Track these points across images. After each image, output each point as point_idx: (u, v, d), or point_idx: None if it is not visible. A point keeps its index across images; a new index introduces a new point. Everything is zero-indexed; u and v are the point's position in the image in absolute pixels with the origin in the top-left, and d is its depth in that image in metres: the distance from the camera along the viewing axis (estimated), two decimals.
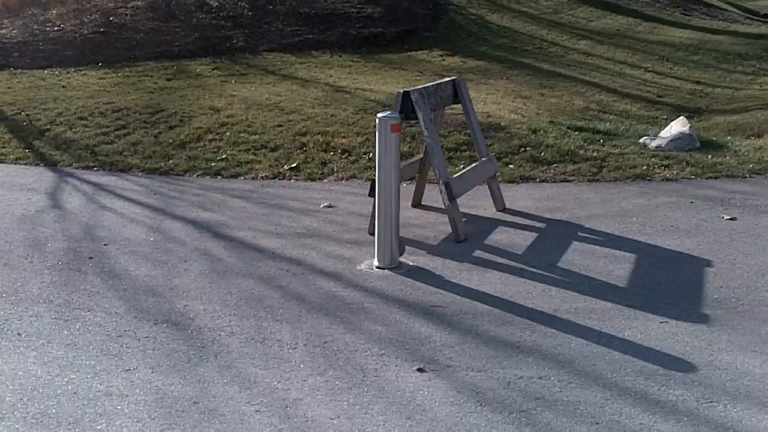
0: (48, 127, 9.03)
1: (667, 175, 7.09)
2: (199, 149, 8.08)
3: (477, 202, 6.25)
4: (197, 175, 7.45)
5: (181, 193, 6.85)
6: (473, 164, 6.25)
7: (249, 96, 10.11)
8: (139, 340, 3.97)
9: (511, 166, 7.34)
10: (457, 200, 5.52)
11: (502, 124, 8.49)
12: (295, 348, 3.87)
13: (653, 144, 7.93)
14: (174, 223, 5.98)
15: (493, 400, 3.38)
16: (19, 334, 4.06)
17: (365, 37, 14.99)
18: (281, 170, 7.45)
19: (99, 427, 3.13)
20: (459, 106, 6.25)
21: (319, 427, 3.14)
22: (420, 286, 4.67)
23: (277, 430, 3.12)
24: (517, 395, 3.42)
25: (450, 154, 7.51)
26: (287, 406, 3.31)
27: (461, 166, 7.05)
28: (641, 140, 8.09)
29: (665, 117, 10.52)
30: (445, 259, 5.11)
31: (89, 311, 4.34)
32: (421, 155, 6.16)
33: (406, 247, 5.23)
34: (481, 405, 3.34)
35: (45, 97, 10.33)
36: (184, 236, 5.68)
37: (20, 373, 3.62)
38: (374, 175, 5.03)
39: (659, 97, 12.56)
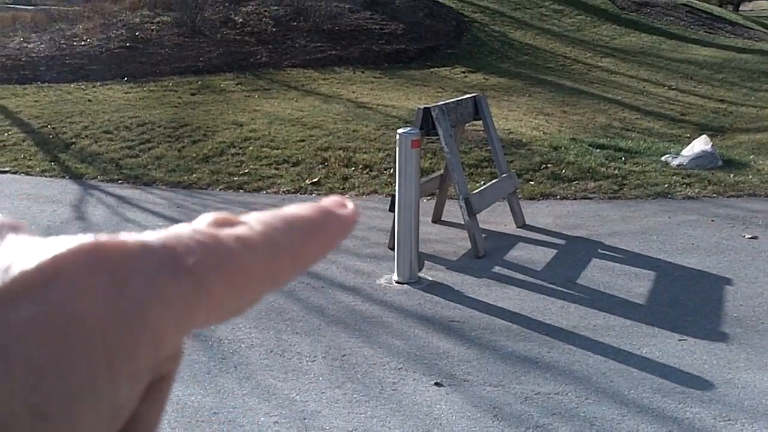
0: (73, 140, 9.18)
1: (689, 193, 7.07)
2: (222, 163, 8.18)
3: (497, 219, 6.27)
4: (220, 189, 7.54)
5: (203, 207, 6.93)
6: (493, 180, 6.28)
7: (272, 111, 10.22)
8: None
9: (532, 182, 7.36)
10: (477, 216, 5.55)
11: (524, 140, 8.52)
12: (314, 360, 3.90)
13: (675, 162, 7.91)
14: None
15: (510, 415, 3.39)
16: None
17: (388, 54, 15.09)
18: (303, 185, 7.52)
19: None
20: (480, 122, 6.29)
21: None
22: (439, 300, 4.70)
23: None
24: (534, 410, 3.43)
25: (470, 171, 7.55)
26: (305, 418, 3.34)
27: (482, 182, 7.08)
28: (663, 158, 8.08)
29: (688, 135, 10.50)
30: (464, 275, 5.14)
31: None
32: (442, 171, 6.20)
33: (426, 262, 5.26)
34: (497, 420, 3.35)
35: (71, 110, 10.50)
36: None
37: None
38: (395, 191, 5.08)
39: (682, 115, 12.53)
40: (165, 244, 0.23)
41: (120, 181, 7.86)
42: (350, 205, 0.27)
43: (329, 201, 0.27)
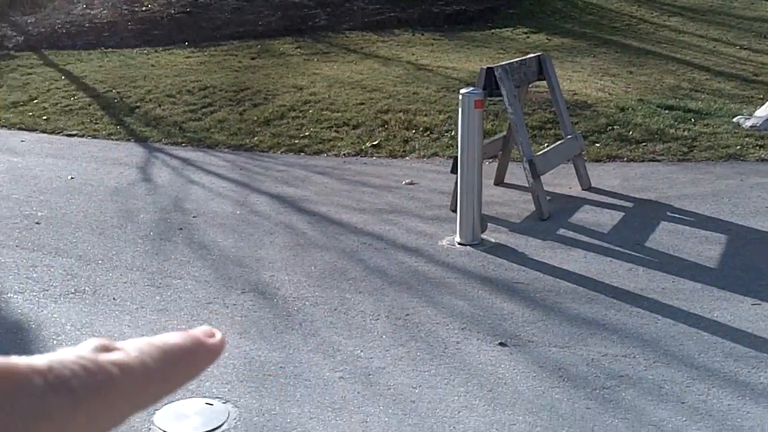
0: (138, 104, 9.32)
1: (762, 155, 6.82)
2: (283, 126, 8.21)
3: (562, 181, 6.16)
4: (281, 152, 7.57)
5: (265, 169, 6.98)
6: (558, 142, 6.16)
7: (331, 74, 10.19)
8: (228, 307, 4.09)
9: (598, 144, 7.19)
10: (541, 178, 5.46)
11: (589, 102, 8.32)
12: (378, 319, 3.91)
13: (748, 123, 7.63)
14: (259, 198, 6.11)
15: (576, 377, 3.35)
16: (114, 299, 4.23)
17: (448, 15, 14.87)
18: (363, 147, 7.50)
19: (190, 386, 3.25)
20: (544, 83, 6.16)
21: (402, 395, 3.18)
22: (502, 262, 4.65)
23: (360, 396, 3.18)
24: (600, 372, 3.38)
25: (534, 132, 7.41)
26: (370, 374, 3.36)
27: (545, 144, 6.95)
28: (735, 119, 7.81)
29: (761, 96, 10.11)
30: (528, 237, 5.07)
31: (180, 279, 4.49)
32: (504, 133, 6.10)
33: (489, 224, 5.21)
34: (563, 380, 3.32)
35: (134, 75, 10.65)
36: (268, 210, 5.79)
37: (116, 335, 3.78)
38: (456, 153, 5.02)
39: (755, 75, 12.06)
40: (51, 367, 0.26)
41: (183, 144, 7.97)
42: (218, 335, 0.30)
43: (200, 331, 0.30)
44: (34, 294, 4.31)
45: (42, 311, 4.08)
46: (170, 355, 0.28)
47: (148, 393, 0.28)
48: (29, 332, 3.85)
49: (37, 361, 0.26)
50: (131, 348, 0.28)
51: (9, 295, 4.29)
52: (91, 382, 0.26)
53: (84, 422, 0.26)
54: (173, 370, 0.28)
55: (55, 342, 3.74)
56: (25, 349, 3.68)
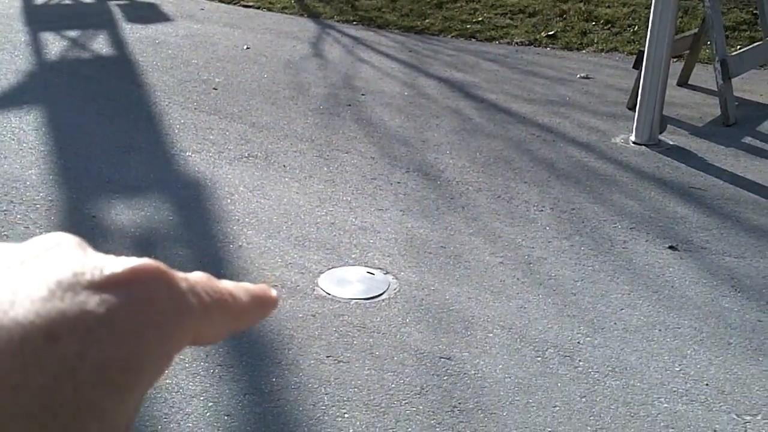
0: None
1: None
2: (455, 10, 8.01)
3: (753, 87, 5.68)
4: (451, 36, 7.42)
5: (435, 53, 6.87)
6: (756, 44, 5.65)
7: None
8: (392, 184, 4.13)
9: None
10: (732, 82, 5.05)
11: None
12: (542, 210, 3.83)
13: None
14: (427, 81, 6.04)
15: (750, 288, 3.17)
16: (284, 166, 4.37)
17: None
18: (538, 37, 7.20)
19: (353, 255, 3.35)
20: None
21: (562, 287, 3.13)
22: (679, 166, 4.40)
23: (519, 283, 3.15)
24: None
25: (727, 33, 6.81)
26: (531, 263, 3.32)
27: (737, 47, 6.40)
28: None
29: None
30: (709, 142, 4.75)
31: (347, 153, 4.56)
32: (695, 30, 5.65)
33: (668, 125, 4.91)
34: (735, 291, 3.15)
35: None
36: (436, 94, 5.73)
37: (285, 200, 3.93)
38: (640, 47, 4.71)
39: None
40: (188, 277, 0.31)
41: (354, 23, 7.96)
42: (275, 292, 0.36)
43: (264, 286, 0.36)
44: (210, 155, 4.52)
45: (217, 171, 4.28)
46: (252, 295, 0.34)
47: (240, 321, 0.33)
48: (205, 189, 4.07)
49: (181, 273, 0.32)
50: (230, 284, 0.34)
51: (188, 153, 4.53)
52: (216, 298, 0.32)
53: (205, 326, 0.31)
54: (256, 308, 0.35)
55: (229, 201, 3.93)
56: (202, 205, 3.90)
